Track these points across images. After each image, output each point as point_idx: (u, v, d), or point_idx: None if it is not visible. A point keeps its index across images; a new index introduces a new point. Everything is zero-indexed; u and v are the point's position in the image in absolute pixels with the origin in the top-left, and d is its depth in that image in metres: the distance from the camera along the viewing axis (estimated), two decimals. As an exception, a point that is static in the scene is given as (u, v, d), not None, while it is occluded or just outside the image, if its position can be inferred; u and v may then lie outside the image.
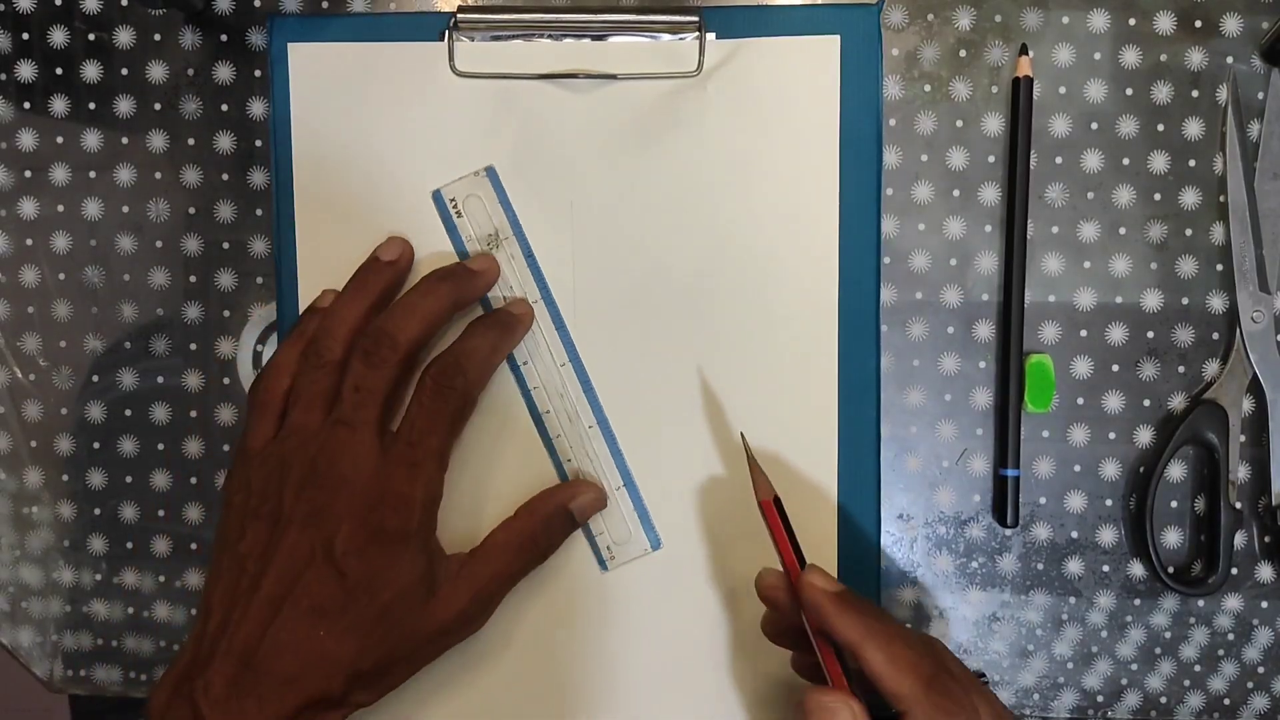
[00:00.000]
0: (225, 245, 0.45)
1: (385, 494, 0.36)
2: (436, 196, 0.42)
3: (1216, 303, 0.43)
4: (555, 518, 0.40)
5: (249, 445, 0.38)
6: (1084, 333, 0.43)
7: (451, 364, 0.38)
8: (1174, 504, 0.44)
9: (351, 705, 0.36)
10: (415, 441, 0.37)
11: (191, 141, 0.44)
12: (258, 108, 0.44)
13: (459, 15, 0.41)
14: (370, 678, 0.36)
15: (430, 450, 0.37)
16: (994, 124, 0.43)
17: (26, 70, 0.44)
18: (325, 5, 0.43)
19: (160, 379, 0.45)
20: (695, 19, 0.40)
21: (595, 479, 0.42)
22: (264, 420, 0.38)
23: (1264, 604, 0.44)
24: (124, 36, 0.44)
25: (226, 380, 0.45)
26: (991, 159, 0.43)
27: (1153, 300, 0.43)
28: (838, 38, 0.41)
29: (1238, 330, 0.43)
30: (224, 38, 0.44)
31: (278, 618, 0.35)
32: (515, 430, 0.42)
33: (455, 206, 0.42)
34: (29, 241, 0.45)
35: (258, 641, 0.35)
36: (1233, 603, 0.44)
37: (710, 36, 0.41)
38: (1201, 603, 0.44)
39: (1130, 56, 0.42)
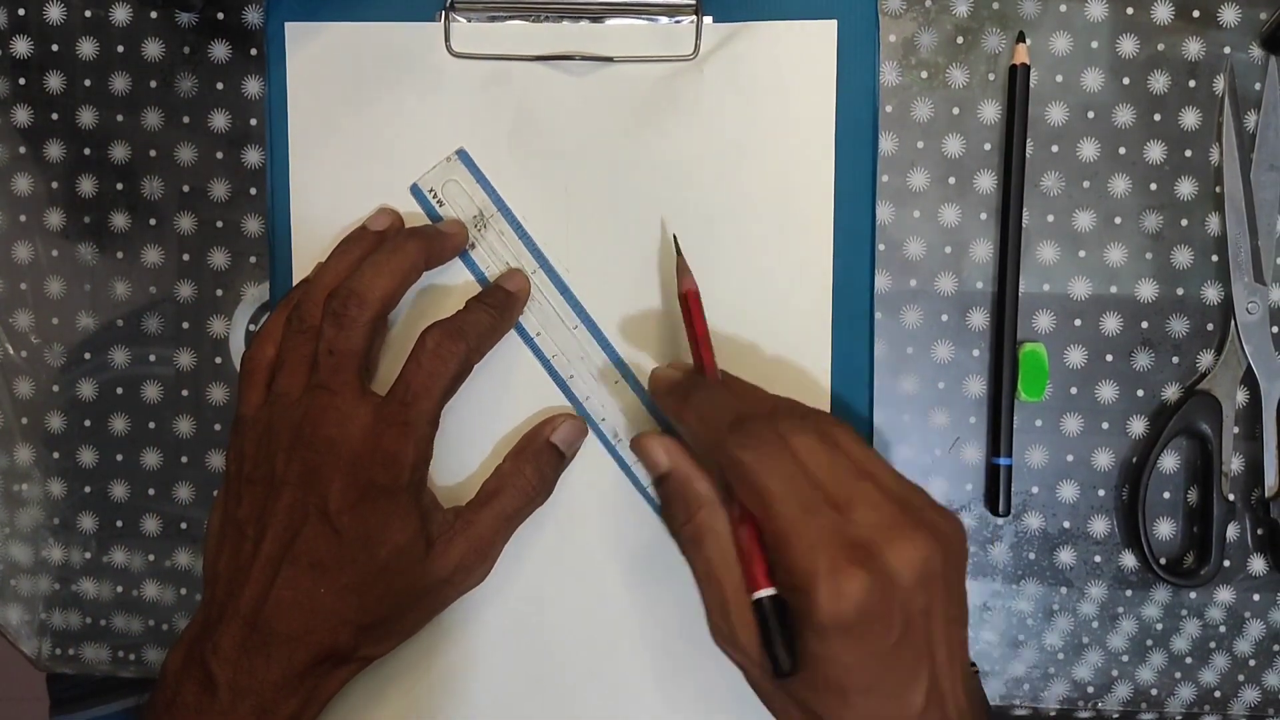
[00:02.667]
0: (219, 224, 0.44)
1: (375, 452, 0.36)
2: (415, 189, 0.42)
3: (1211, 293, 0.43)
4: (541, 454, 0.40)
5: (241, 414, 0.38)
6: (1078, 322, 0.43)
7: (456, 329, 0.38)
8: (1166, 495, 0.44)
9: (362, 659, 0.37)
10: (409, 402, 0.36)
11: (186, 119, 0.44)
12: (253, 86, 0.44)
13: (455, -5, 0.41)
14: (377, 632, 0.37)
15: (423, 411, 0.37)
16: (990, 112, 0.43)
17: (22, 46, 0.44)
18: (322, -16, 0.43)
19: (152, 357, 0.45)
20: (693, 2, 0.40)
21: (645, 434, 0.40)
22: (253, 388, 0.38)
23: (1256, 597, 0.44)
24: (120, 13, 0.44)
25: (218, 359, 0.45)
26: (987, 147, 0.43)
27: (1147, 290, 0.43)
28: (835, 22, 0.40)
29: (1232, 321, 0.43)
30: (220, 15, 0.44)
31: (278, 576, 0.35)
32: (543, 401, 0.41)
33: (435, 196, 0.41)
34: (23, 217, 0.45)
35: (262, 602, 0.35)
36: (1224, 595, 0.44)
37: (707, 20, 0.41)
38: (1193, 595, 0.44)
39: (1128, 45, 0.42)
